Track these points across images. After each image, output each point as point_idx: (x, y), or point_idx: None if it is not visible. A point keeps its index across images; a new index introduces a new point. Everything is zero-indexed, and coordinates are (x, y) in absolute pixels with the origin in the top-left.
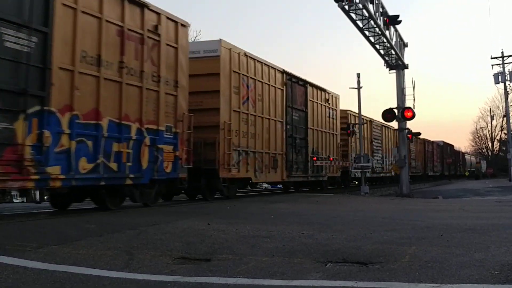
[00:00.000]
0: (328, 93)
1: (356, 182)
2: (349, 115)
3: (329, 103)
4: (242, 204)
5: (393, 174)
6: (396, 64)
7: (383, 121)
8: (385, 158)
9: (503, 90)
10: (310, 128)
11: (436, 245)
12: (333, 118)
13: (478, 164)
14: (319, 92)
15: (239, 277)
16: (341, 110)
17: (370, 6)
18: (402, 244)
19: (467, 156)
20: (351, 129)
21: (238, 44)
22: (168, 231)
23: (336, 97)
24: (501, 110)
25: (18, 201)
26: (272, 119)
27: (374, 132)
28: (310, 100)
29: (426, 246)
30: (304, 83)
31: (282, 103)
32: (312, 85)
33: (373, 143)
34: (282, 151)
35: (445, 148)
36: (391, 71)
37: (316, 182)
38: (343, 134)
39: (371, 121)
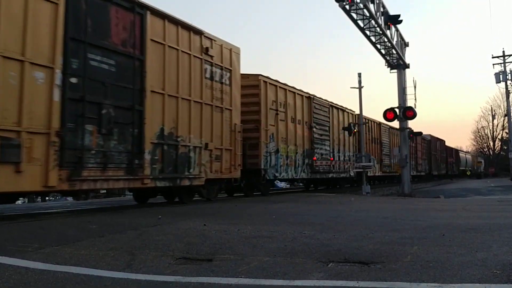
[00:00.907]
0: (211, 40)
1: (286, 185)
2: (262, 82)
3: (212, 57)
4: (244, 204)
5: (352, 174)
6: (397, 64)
7: (333, 101)
8: (337, 151)
9: (504, 89)
10: (152, 91)
11: (438, 244)
12: (222, 83)
13: (479, 164)
14: (182, 31)
15: (241, 277)
16: (249, 74)
17: (371, 6)
18: (404, 244)
19: (461, 154)
20: (351, 126)
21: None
22: (170, 231)
23: (231, 50)
24: (503, 109)
25: (19, 202)
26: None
27: (316, 114)
28: (153, 40)
29: (427, 246)
30: (134, 5)
31: (54, 31)
32: (162, 16)
33: (314, 129)
34: (49, 128)
35: (434, 144)
36: (392, 71)
37: (176, 188)
38: (251, 113)
39: (310, 97)
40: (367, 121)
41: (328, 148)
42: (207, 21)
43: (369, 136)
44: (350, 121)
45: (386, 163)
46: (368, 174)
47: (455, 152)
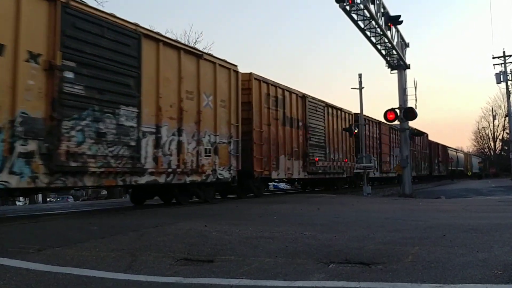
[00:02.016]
0: None
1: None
2: None
3: None
4: (246, 205)
5: (220, 178)
6: (398, 65)
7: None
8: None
9: (505, 90)
10: None
11: (439, 245)
12: None
13: (480, 164)
14: None
15: (242, 278)
16: None
17: (372, 7)
18: (405, 244)
19: (451, 151)
20: (351, 127)
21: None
22: (171, 232)
23: None
24: (503, 110)
25: (20, 203)
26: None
27: (74, 40)
28: None
29: (429, 246)
30: None
31: None
32: None
33: (65, 74)
34: None
35: (412, 137)
36: (393, 72)
37: None
38: None
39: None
40: (273, 86)
41: (114, 122)
42: (198, 16)
43: (282, 113)
44: (221, 79)
45: (332, 159)
46: (273, 177)
47: (442, 148)
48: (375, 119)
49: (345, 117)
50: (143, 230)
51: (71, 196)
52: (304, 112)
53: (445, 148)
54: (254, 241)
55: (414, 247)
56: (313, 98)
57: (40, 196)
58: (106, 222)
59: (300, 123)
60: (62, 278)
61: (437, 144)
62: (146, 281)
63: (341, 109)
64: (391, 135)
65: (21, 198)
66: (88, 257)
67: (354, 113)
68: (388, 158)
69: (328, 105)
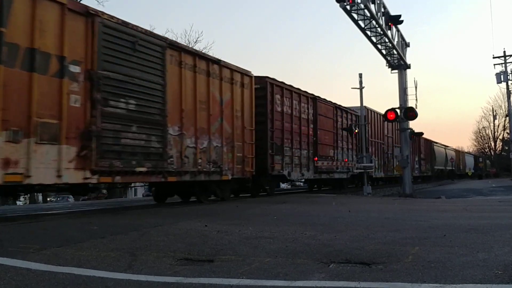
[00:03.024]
0: None
1: None
2: None
3: None
4: (246, 205)
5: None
6: (398, 64)
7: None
8: None
9: (505, 90)
10: None
11: (439, 245)
12: None
13: (481, 164)
14: None
15: (242, 278)
16: None
17: (372, 6)
18: (405, 244)
19: (438, 147)
20: (355, 129)
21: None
22: (171, 232)
23: None
24: (504, 110)
25: (20, 202)
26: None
27: None
28: None
29: (429, 246)
30: None
31: None
32: None
33: None
34: None
35: (376, 124)
36: (393, 71)
37: None
38: None
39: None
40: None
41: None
42: (198, 15)
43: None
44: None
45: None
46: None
47: (425, 143)
48: (305, 92)
49: (232, 80)
50: (144, 230)
51: (71, 196)
52: (89, 47)
53: (429, 143)
54: (254, 241)
55: (414, 247)
56: (124, 23)
57: (40, 195)
58: (106, 221)
59: (75, 68)
60: (63, 278)
61: (419, 138)
62: (146, 281)
63: (218, 63)
64: (339, 118)
65: (21, 198)
66: (88, 256)
67: (257, 76)
68: (332, 151)
69: (178, 48)
